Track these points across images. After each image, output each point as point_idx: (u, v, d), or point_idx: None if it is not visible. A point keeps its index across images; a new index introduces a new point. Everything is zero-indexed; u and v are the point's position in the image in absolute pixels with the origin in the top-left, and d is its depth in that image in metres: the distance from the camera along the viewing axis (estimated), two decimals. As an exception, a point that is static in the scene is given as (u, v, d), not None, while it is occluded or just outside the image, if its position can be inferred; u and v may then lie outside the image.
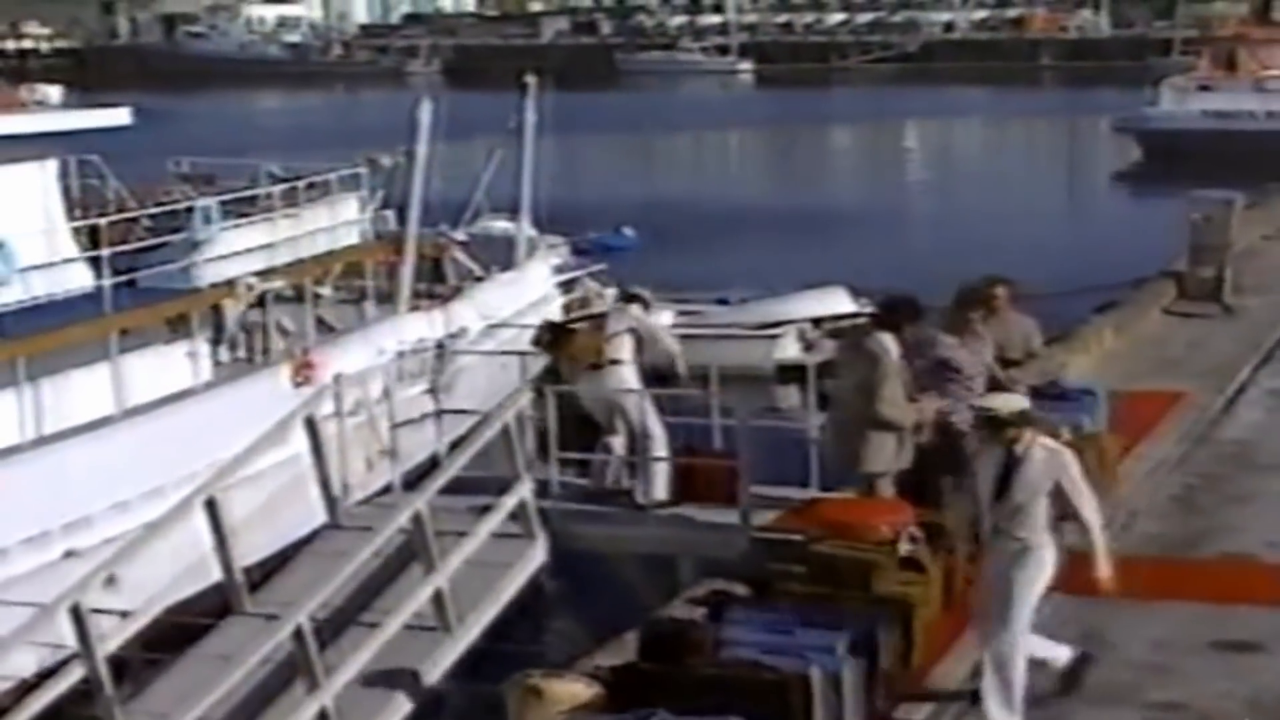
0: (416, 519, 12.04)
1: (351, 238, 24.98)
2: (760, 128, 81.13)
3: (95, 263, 19.39)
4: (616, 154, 69.43)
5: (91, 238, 20.37)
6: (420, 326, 22.97)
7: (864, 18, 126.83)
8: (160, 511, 13.63)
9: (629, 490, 14.13)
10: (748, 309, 29.02)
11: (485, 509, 12.88)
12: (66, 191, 21.56)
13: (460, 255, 26.24)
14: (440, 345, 22.17)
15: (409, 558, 12.48)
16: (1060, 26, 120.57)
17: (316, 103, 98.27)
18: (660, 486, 13.97)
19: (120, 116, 21.54)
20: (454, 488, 12.66)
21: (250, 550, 13.47)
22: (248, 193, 24.64)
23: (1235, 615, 11.82)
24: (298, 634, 10.84)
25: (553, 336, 14.76)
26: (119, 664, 11.97)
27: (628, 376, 14.11)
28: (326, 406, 14.35)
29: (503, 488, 13.14)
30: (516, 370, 16.71)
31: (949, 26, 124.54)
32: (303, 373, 20.23)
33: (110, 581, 12.35)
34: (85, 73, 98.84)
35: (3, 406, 17.26)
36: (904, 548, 11.81)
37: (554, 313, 24.63)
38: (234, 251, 22.36)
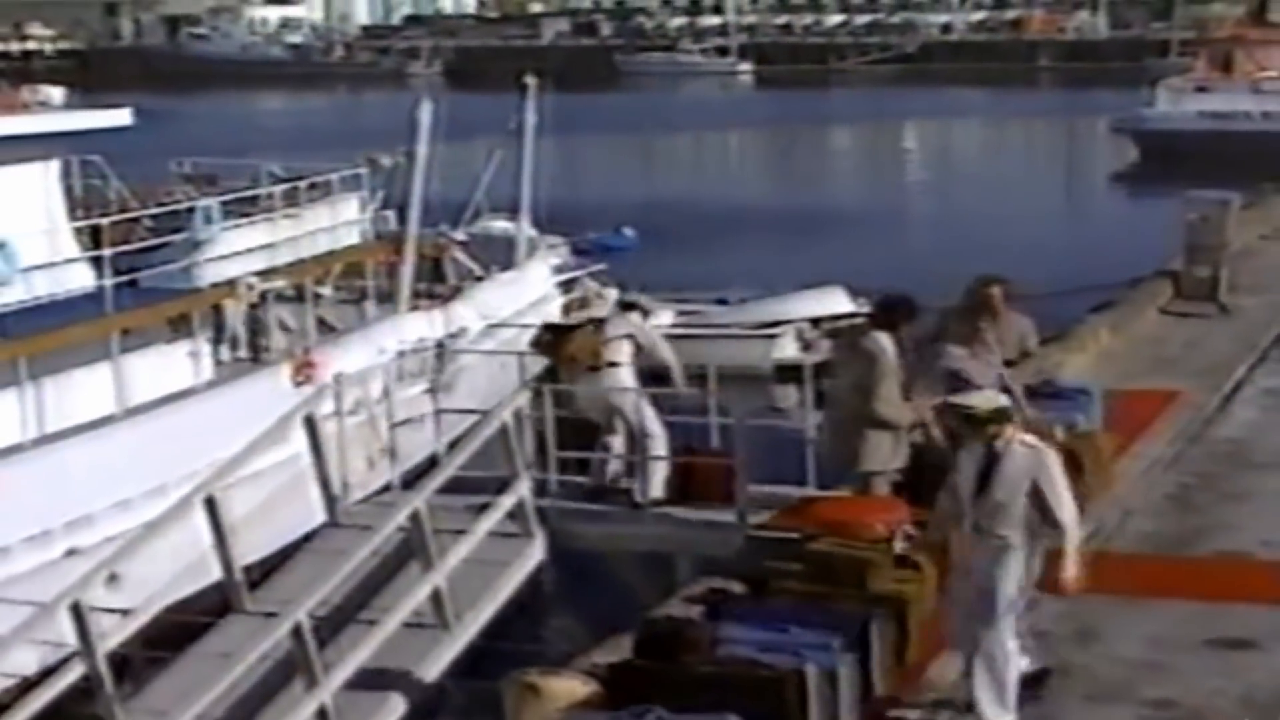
0: (415, 518, 12.06)
1: (352, 238, 25.05)
2: (759, 128, 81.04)
3: (97, 263, 19.47)
4: (616, 155, 69.40)
5: (93, 238, 20.46)
6: (420, 326, 23.03)
7: (862, 19, 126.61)
8: (161, 510, 13.68)
9: (627, 489, 14.14)
10: (746, 309, 29.08)
11: (484, 508, 12.90)
12: (69, 192, 21.65)
13: (460, 255, 26.30)
14: (440, 345, 22.22)
15: (408, 556, 12.49)
16: (1058, 28, 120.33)
17: (318, 103, 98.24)
18: (658, 485, 13.99)
19: (122, 117, 21.61)
20: (453, 487, 12.68)
21: (250, 549, 13.47)
22: (249, 193, 24.72)
23: (1230, 613, 11.85)
24: (297, 632, 10.85)
25: (551, 338, 14.79)
26: (119, 662, 11.98)
27: (625, 378, 14.13)
28: (326, 406, 14.37)
29: (501, 487, 13.16)
30: (516, 370, 16.74)
31: (947, 28, 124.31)
32: (303, 372, 20.30)
33: (111, 580, 12.42)
34: (88, 74, 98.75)
35: (5, 406, 17.34)
36: (899, 546, 11.88)
37: (554, 313, 24.65)
38: (235, 251, 22.43)
